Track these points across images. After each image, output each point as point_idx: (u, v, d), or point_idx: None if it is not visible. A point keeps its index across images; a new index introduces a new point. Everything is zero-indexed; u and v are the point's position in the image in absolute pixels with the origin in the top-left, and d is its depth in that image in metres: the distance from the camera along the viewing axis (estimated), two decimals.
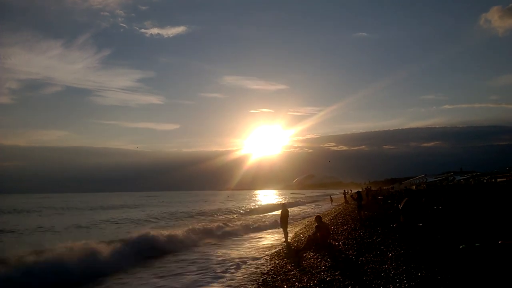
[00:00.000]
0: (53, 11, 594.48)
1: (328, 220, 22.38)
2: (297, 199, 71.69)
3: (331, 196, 59.76)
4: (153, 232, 16.86)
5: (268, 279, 9.57)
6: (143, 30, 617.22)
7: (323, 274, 8.92)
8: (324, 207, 45.61)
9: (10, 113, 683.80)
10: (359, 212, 19.89)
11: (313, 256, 11.42)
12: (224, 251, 15.14)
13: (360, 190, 35.95)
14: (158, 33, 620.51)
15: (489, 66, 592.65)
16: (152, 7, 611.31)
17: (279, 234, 18.35)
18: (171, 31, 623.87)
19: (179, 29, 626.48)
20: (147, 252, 14.49)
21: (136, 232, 17.18)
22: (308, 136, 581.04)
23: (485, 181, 67.26)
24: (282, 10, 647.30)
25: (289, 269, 10.23)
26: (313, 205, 54.74)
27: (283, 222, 16.21)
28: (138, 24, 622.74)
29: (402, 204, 11.51)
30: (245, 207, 46.38)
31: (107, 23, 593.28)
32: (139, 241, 15.44)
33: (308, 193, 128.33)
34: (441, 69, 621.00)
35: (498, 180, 62.47)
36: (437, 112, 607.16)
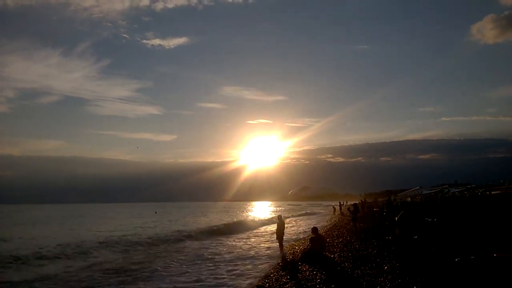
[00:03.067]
0: (53, 19, 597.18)
1: (324, 232, 22.29)
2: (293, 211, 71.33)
3: (334, 206, 59.01)
4: None
5: None
6: (144, 41, 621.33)
7: (319, 287, 8.85)
8: (319, 219, 45.38)
9: (5, 122, 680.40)
10: (354, 224, 19.89)
11: (308, 268, 11.33)
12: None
13: (357, 202, 35.89)
14: (160, 44, 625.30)
15: (487, 78, 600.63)
16: (155, 18, 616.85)
17: (274, 245, 18.20)
18: (172, 42, 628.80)
19: (181, 40, 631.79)
20: None
21: None
22: (305, 148, 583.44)
23: (479, 193, 67.45)
24: (281, 22, 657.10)
25: (284, 281, 10.12)
26: (309, 216, 54.48)
27: (279, 234, 16.11)
28: (140, 35, 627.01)
29: (398, 216, 11.52)
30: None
31: (108, 33, 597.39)
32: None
33: (304, 204, 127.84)
34: (439, 81, 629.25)
35: (492, 192, 62.71)
36: (435, 125, 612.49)
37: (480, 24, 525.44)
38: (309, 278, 10.07)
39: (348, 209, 23.71)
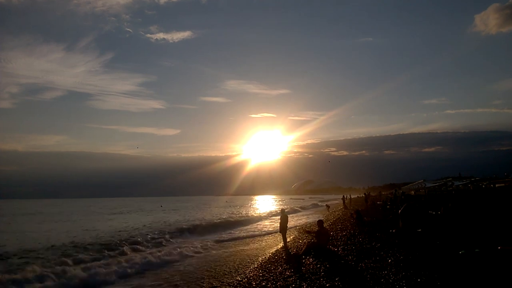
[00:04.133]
0: (55, 14, 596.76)
1: (328, 225, 22.32)
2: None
3: (328, 204, 58.53)
4: None
5: (267, 285, 9.53)
6: (148, 35, 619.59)
7: (323, 280, 8.89)
8: (321, 213, 45.43)
9: (9, 117, 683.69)
10: (360, 227, 18.62)
11: (312, 261, 11.38)
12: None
13: (358, 195, 35.84)
14: (164, 38, 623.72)
15: (492, 70, 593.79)
16: (158, 11, 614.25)
17: (278, 239, 18.29)
18: (176, 36, 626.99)
19: (185, 34, 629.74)
20: None
21: None
22: (309, 141, 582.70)
23: (483, 186, 67.23)
24: (285, 16, 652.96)
25: (288, 275, 10.18)
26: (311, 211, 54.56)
27: (282, 227, 16.16)
28: (143, 28, 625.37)
29: (401, 209, 11.53)
30: None
31: (112, 26, 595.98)
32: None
33: (307, 198, 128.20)
34: (444, 73, 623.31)
35: (496, 185, 62.48)
36: (439, 117, 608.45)
37: (484, 14, 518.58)
38: (313, 271, 10.11)
39: (351, 215, 22.56)
